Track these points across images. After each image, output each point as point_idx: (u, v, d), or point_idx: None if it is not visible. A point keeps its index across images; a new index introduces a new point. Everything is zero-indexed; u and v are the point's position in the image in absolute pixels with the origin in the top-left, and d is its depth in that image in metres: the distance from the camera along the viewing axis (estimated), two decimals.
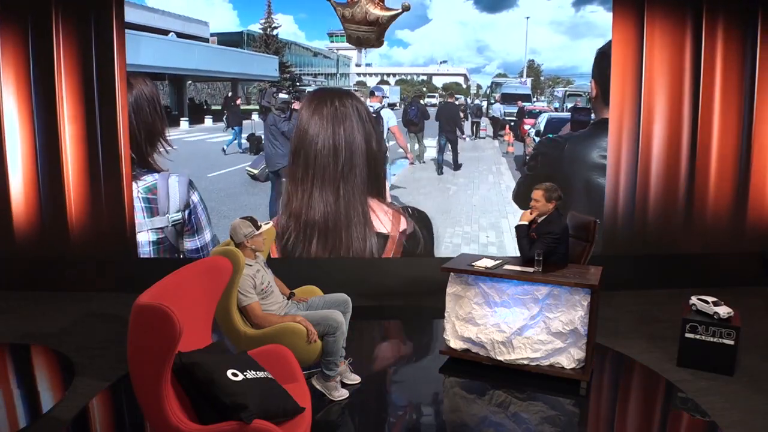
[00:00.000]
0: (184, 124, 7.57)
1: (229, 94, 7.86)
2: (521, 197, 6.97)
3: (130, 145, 6.62)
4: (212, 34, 7.20)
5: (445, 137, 7.57)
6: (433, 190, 7.30)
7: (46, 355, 5.01)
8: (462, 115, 7.83)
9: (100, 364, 4.70)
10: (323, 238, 6.72)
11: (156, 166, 6.81)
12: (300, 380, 3.28)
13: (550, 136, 7.29)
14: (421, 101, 7.87)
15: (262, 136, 7.24)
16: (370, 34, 5.70)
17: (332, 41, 7.61)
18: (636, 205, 6.77)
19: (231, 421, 2.67)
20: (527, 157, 7.57)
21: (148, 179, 6.75)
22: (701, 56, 6.57)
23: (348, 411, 4.01)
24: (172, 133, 7.06)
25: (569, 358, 4.34)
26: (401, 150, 7.51)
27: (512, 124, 7.92)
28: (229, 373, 2.83)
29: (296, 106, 7.02)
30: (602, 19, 6.73)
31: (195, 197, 6.92)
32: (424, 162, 7.67)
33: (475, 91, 7.97)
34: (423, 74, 8.02)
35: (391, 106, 7.67)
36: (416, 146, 7.71)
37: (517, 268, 4.47)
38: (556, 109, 7.77)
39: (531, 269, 4.38)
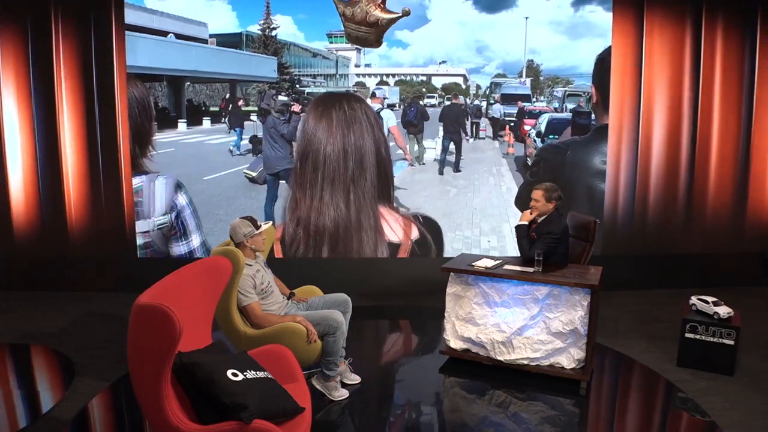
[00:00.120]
0: (182, 125, 7.57)
1: (227, 95, 7.85)
2: (523, 202, 6.95)
3: None
4: (211, 35, 7.19)
5: (448, 138, 7.56)
6: (433, 193, 7.27)
7: (46, 355, 5.00)
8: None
9: (100, 364, 4.70)
10: (333, 244, 6.62)
11: (146, 168, 6.76)
12: (300, 380, 3.28)
13: (553, 142, 7.28)
14: (421, 102, 7.87)
15: None
16: (369, 35, 5.71)
17: (331, 42, 7.60)
18: (636, 205, 6.77)
19: (231, 421, 2.67)
20: (528, 160, 7.57)
21: (134, 181, 6.70)
22: (701, 55, 6.57)
23: (348, 411, 4.00)
24: (170, 135, 7.04)
25: (569, 358, 4.33)
26: (400, 151, 7.50)
27: (512, 124, 7.91)
28: (229, 373, 2.83)
29: (296, 108, 7.00)
30: (601, 18, 6.73)
31: (182, 200, 6.81)
32: (423, 163, 7.66)
33: (474, 92, 7.97)
34: (422, 75, 8.02)
35: (391, 106, 7.65)
36: (416, 147, 7.70)
37: (517, 268, 4.47)
38: (555, 109, 7.76)
39: (531, 269, 4.38)
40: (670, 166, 6.72)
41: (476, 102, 7.92)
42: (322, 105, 6.72)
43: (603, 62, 6.74)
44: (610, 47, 6.65)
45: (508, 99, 7.90)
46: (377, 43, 6.23)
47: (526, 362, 4.42)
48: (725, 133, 6.71)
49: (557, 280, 4.21)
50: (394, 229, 6.75)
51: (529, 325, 4.39)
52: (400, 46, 7.44)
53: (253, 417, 2.68)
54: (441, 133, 7.68)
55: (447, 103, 7.84)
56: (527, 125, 7.88)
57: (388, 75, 7.93)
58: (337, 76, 8.04)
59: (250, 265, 4.03)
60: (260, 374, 2.98)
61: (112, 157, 6.56)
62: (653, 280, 6.79)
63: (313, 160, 6.60)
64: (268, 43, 7.35)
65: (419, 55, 7.61)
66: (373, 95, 7.43)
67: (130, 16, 6.51)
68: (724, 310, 4.51)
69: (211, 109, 7.96)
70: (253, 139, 7.38)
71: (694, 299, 4.74)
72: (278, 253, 6.62)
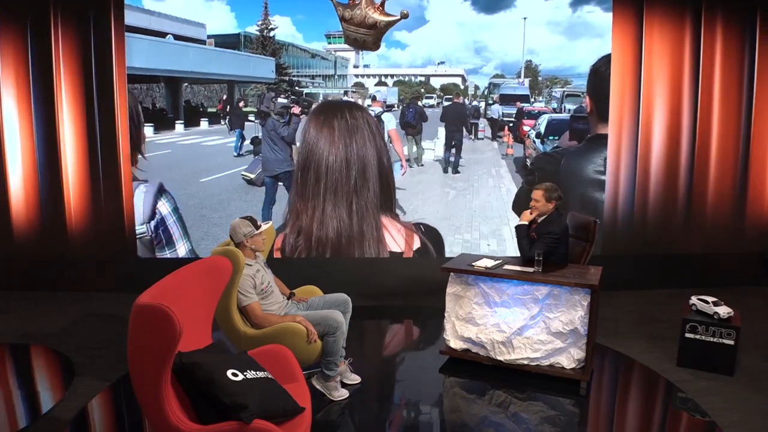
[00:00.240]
0: (179, 126, 7.54)
1: (224, 96, 7.85)
2: (521, 208, 6.94)
3: None
4: (209, 36, 7.18)
5: (450, 138, 7.56)
6: (432, 195, 7.23)
7: (46, 355, 5.00)
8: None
9: (100, 364, 4.70)
10: (335, 254, 6.57)
11: (134, 176, 6.70)
12: (300, 380, 3.28)
13: (547, 150, 7.29)
14: (419, 103, 7.86)
15: None
16: (367, 36, 5.72)
17: (330, 43, 7.61)
18: (636, 205, 6.76)
19: (231, 421, 2.67)
20: (527, 161, 7.58)
21: None
22: (700, 55, 6.57)
23: (348, 411, 4.00)
24: (167, 136, 7.02)
25: (569, 358, 4.33)
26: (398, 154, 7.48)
27: (511, 125, 7.91)
28: (229, 373, 2.83)
29: (295, 110, 6.98)
30: (599, 19, 6.74)
31: (164, 208, 6.69)
32: (422, 165, 7.65)
33: (473, 92, 7.97)
34: (421, 75, 8.02)
35: (389, 107, 7.63)
36: (414, 148, 7.68)
37: (517, 268, 4.47)
38: (554, 110, 7.77)
39: (531, 269, 4.38)
40: (670, 165, 6.72)
41: (474, 103, 7.92)
42: (323, 114, 6.62)
43: (597, 73, 6.75)
44: (603, 57, 6.68)
45: (506, 99, 7.91)
46: (375, 46, 6.23)
47: (526, 362, 4.42)
48: (725, 132, 6.71)
49: (557, 280, 4.21)
50: (396, 240, 6.71)
51: (529, 325, 4.39)
52: (398, 47, 7.46)
53: (253, 417, 2.67)
54: (441, 134, 7.67)
55: (446, 103, 7.84)
56: (526, 126, 7.88)
57: (386, 76, 7.94)
58: (336, 77, 8.04)
59: (250, 265, 4.02)
60: (260, 374, 2.98)
61: (112, 156, 6.55)
62: (653, 280, 6.79)
63: (315, 171, 6.50)
64: (266, 44, 7.35)
65: (418, 56, 7.62)
66: (374, 98, 7.39)
67: (128, 17, 6.50)
68: (724, 310, 4.51)
69: (209, 110, 7.95)
70: (255, 140, 7.36)
71: (694, 299, 4.74)
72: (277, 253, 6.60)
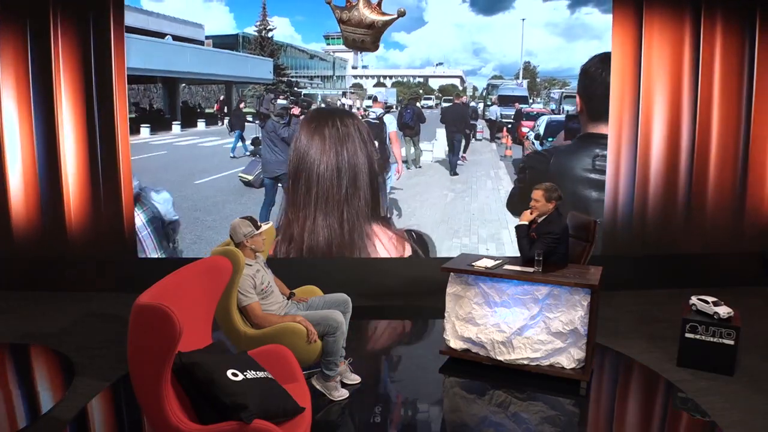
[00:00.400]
0: (176, 127, 7.53)
1: (221, 97, 7.83)
2: (514, 206, 6.96)
3: None
4: (207, 37, 7.18)
5: (451, 138, 7.55)
6: (430, 197, 7.20)
7: (46, 355, 4.99)
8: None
9: (100, 364, 4.69)
10: None
11: None
12: (300, 380, 3.28)
13: (539, 149, 7.30)
14: (417, 104, 7.85)
15: None
16: (366, 36, 5.70)
17: (328, 44, 7.60)
18: (635, 205, 6.77)
19: (231, 421, 2.67)
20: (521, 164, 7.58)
21: None
22: (700, 54, 6.58)
23: (348, 411, 4.00)
24: (163, 137, 6.99)
25: (569, 358, 4.34)
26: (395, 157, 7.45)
27: (509, 126, 7.91)
28: (229, 373, 2.83)
29: (295, 111, 6.97)
30: (598, 20, 6.75)
31: (138, 220, 6.62)
32: (420, 166, 7.64)
33: (471, 94, 7.97)
34: (419, 76, 8.02)
35: (388, 108, 7.63)
36: (412, 150, 7.67)
37: (517, 268, 4.47)
38: (553, 111, 7.77)
39: (531, 269, 4.38)
40: (669, 165, 6.72)
41: (473, 104, 7.92)
42: (315, 122, 6.61)
43: (587, 72, 6.77)
44: (593, 57, 6.72)
45: (505, 101, 7.91)
46: (374, 46, 6.22)
47: (526, 362, 4.42)
48: (725, 132, 6.71)
49: (557, 280, 4.21)
50: (386, 247, 6.71)
51: (529, 325, 4.39)
52: (397, 48, 7.47)
53: (253, 417, 2.67)
54: (439, 135, 7.66)
55: (446, 104, 7.84)
56: (525, 127, 7.87)
57: (385, 76, 7.93)
58: (334, 78, 8.03)
59: (250, 265, 4.02)
60: (260, 374, 2.98)
61: (112, 156, 6.55)
62: (653, 280, 6.80)
63: (306, 180, 6.49)
64: (264, 45, 7.34)
65: (416, 57, 7.62)
66: (375, 99, 7.37)
67: (127, 18, 6.49)
68: (724, 310, 4.52)
69: (207, 110, 7.93)
70: (256, 141, 7.34)
71: (694, 299, 4.74)
72: None
